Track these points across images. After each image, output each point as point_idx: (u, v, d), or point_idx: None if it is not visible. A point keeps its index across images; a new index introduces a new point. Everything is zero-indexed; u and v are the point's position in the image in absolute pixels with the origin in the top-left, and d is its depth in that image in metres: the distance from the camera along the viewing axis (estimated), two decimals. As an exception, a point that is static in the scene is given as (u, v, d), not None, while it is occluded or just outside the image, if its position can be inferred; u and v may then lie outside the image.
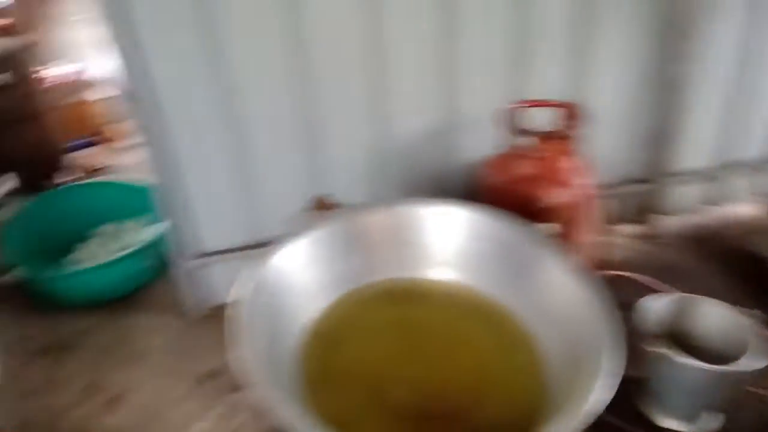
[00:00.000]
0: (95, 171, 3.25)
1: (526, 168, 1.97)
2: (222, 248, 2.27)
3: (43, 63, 3.38)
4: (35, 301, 2.44)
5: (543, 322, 1.35)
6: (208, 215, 2.20)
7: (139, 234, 2.70)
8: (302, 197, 2.26)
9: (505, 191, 1.95)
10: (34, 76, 2.87)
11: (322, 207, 2.28)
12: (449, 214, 1.58)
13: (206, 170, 2.11)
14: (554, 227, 1.81)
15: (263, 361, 1.14)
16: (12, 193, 3.05)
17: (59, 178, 3.08)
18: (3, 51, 2.71)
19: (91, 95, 3.60)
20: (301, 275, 1.43)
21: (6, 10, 2.76)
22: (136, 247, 2.45)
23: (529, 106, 1.99)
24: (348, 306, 1.47)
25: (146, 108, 1.92)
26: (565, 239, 1.85)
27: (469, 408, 1.25)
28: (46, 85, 3.15)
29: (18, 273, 2.49)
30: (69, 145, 3.27)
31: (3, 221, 2.80)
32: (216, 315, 2.36)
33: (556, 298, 1.32)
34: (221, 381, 2.11)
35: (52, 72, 3.44)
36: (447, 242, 1.56)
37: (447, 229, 1.57)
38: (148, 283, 2.53)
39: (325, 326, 1.42)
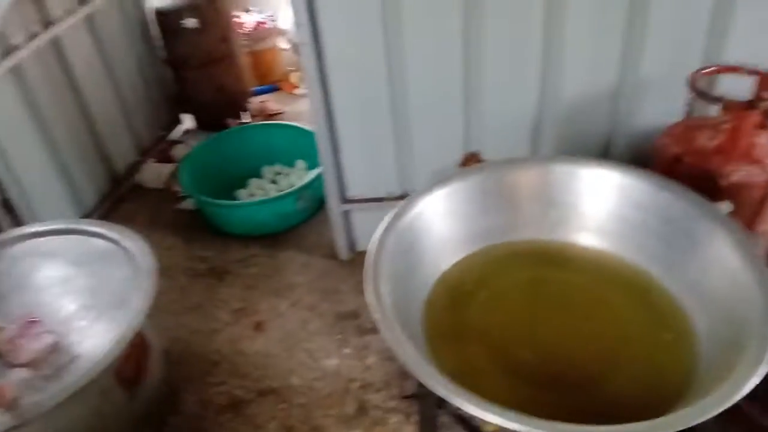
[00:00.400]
0: (273, 115, 3.46)
1: (710, 139, 1.71)
2: (372, 196, 2.30)
3: (237, 9, 3.64)
4: (205, 228, 2.67)
5: (701, 302, 1.17)
6: (361, 164, 2.23)
7: (304, 176, 2.83)
8: (454, 153, 2.19)
9: (683, 162, 1.72)
10: (227, 21, 3.10)
11: (475, 164, 2.20)
12: (608, 177, 1.42)
13: (361, 120, 2.12)
14: (732, 207, 1.56)
15: (395, 306, 1.13)
16: (191, 132, 3.36)
17: (239, 120, 3.33)
18: (200, -2, 2.95)
19: (278, 43, 3.81)
20: (439, 226, 1.39)
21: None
22: (295, 188, 2.57)
23: (721, 72, 1.72)
24: (483, 262, 1.40)
25: (308, 55, 1.95)
26: (743, 223, 1.59)
27: (598, 379, 1.14)
28: (239, 30, 3.38)
29: (192, 202, 2.75)
30: (253, 89, 3.51)
31: (182, 156, 3.11)
32: (362, 259, 2.40)
33: (722, 280, 1.14)
34: (357, 322, 2.16)
35: (244, 18, 3.69)
36: (601, 207, 1.41)
37: (603, 193, 1.41)
38: (304, 222, 2.65)
39: (457, 280, 1.37)
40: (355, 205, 2.32)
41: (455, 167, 2.19)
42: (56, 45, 2.48)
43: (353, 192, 2.30)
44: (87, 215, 2.67)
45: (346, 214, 2.35)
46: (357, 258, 2.43)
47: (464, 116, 2.11)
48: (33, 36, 2.35)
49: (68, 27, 2.52)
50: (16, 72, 2.28)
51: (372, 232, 2.38)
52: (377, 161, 2.22)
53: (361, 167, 2.24)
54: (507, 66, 2.01)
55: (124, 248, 1.82)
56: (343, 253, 2.42)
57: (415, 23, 1.91)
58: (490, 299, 1.33)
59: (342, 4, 1.88)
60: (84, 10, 2.61)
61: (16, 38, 2.28)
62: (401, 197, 2.29)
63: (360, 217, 2.38)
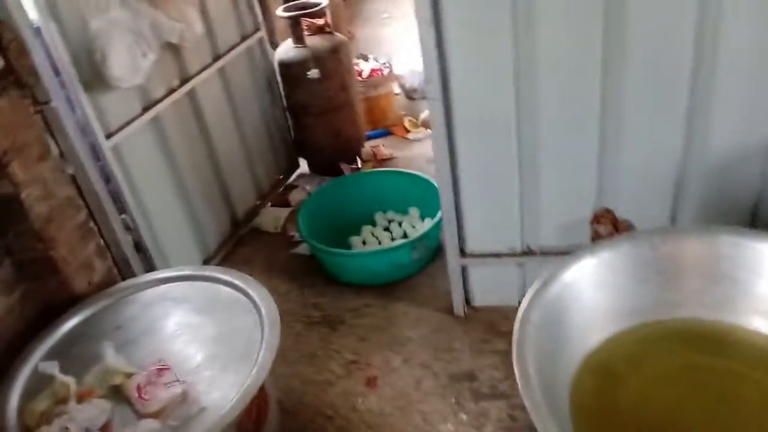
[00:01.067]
0: (385, 160, 3.48)
1: None
2: (492, 251, 2.21)
3: (355, 58, 3.73)
4: (319, 273, 2.69)
5: None
6: (482, 218, 2.15)
7: (418, 224, 2.80)
8: (585, 208, 2.07)
9: None
10: (347, 70, 3.17)
11: (608, 222, 2.07)
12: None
13: (485, 172, 2.05)
14: None
15: (541, 386, 1.04)
16: (305, 176, 3.43)
17: (353, 165, 3.38)
18: (319, 48, 3.04)
19: (392, 88, 3.87)
20: (588, 299, 1.29)
21: (322, 10, 3.09)
22: (411, 238, 2.53)
23: None
24: (635, 341, 1.28)
25: (437, 109, 1.92)
26: None
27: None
28: (356, 78, 3.45)
29: (307, 247, 2.78)
30: (367, 133, 3.56)
31: (299, 200, 3.17)
32: (478, 316, 2.33)
33: None
34: (473, 385, 2.06)
35: (362, 66, 3.78)
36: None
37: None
38: (418, 272, 2.59)
39: (606, 359, 1.25)
40: (474, 260, 2.24)
41: (589, 224, 2.07)
42: (191, 96, 2.63)
43: (472, 246, 2.22)
44: (209, 258, 2.77)
45: (463, 269, 2.27)
46: (473, 314, 2.34)
47: (598, 169, 1.99)
48: (172, 90, 2.50)
49: (203, 80, 2.66)
50: (155, 122, 2.43)
51: (490, 287, 2.33)
52: (500, 215, 2.13)
53: (483, 221, 2.16)
54: (648, 116, 1.87)
55: (249, 297, 1.85)
56: (459, 308, 2.34)
57: (550, 74, 1.83)
58: (643, 385, 1.20)
59: (474, 60, 1.85)
60: (218, 64, 2.76)
61: (158, 92, 2.43)
62: (523, 253, 2.20)
63: (478, 272, 2.29)
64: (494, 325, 2.27)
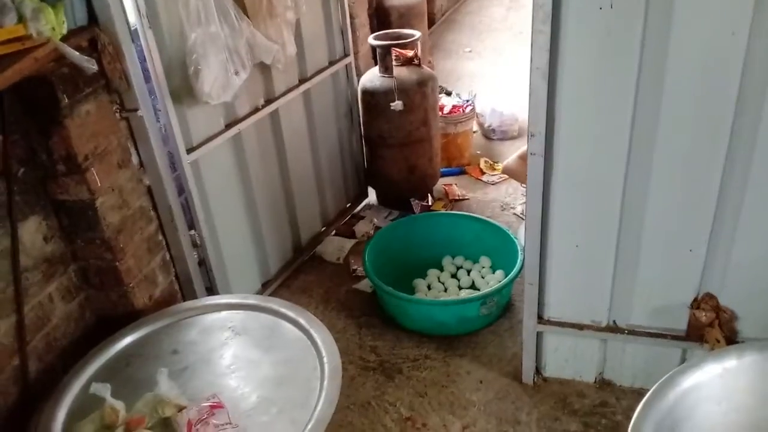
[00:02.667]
0: (458, 201, 3.35)
1: None
2: (573, 321, 2.04)
3: (439, 92, 3.64)
4: (379, 314, 2.56)
5: None
6: (568, 284, 1.99)
7: (488, 275, 2.64)
8: (685, 291, 1.88)
9: None
10: (431, 104, 3.07)
11: (710, 309, 1.87)
12: None
13: (579, 236, 1.89)
14: None
15: None
16: (373, 208, 3.32)
17: (424, 201, 3.26)
18: (406, 80, 2.96)
19: (471, 127, 3.75)
20: (707, 416, 1.11)
21: (414, 42, 3.01)
22: (482, 292, 2.38)
23: None
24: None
25: (536, 165, 1.78)
26: None
27: None
28: (438, 113, 3.34)
29: (369, 284, 2.66)
30: (441, 170, 3.44)
31: (364, 232, 3.06)
32: (548, 387, 2.15)
33: None
34: (540, 467, 1.88)
35: (444, 101, 3.68)
36: None
37: None
38: (484, 328, 2.43)
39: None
40: (552, 327, 2.07)
41: (689, 310, 1.88)
42: (273, 116, 2.57)
43: (552, 312, 2.06)
44: (269, 281, 2.69)
45: (538, 335, 2.11)
46: (543, 385, 2.16)
47: (706, 253, 1.80)
48: (256, 109, 2.45)
49: (287, 101, 2.60)
50: (236, 140, 2.37)
51: (565, 359, 2.14)
52: (588, 284, 1.96)
53: (568, 287, 2.00)
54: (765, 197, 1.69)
55: (311, 339, 1.74)
56: (529, 376, 2.16)
57: (669, 148, 1.67)
58: None
59: (587, 120, 1.71)
60: (303, 86, 2.70)
61: (242, 110, 2.38)
62: (608, 329, 2.02)
63: (554, 340, 2.12)
64: (566, 401, 2.08)
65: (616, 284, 1.93)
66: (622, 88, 1.63)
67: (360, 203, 3.35)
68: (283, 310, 1.84)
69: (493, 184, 3.53)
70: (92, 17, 1.75)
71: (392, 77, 2.98)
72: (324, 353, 1.68)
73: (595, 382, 2.15)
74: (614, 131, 1.69)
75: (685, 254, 1.81)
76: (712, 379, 1.14)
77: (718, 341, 1.86)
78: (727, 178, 1.68)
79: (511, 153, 3.37)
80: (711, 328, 1.88)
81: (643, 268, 1.88)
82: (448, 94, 3.93)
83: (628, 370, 2.09)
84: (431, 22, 5.89)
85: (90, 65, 1.64)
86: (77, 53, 1.59)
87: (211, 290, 2.31)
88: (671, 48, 1.55)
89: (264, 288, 2.66)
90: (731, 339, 1.90)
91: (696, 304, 1.88)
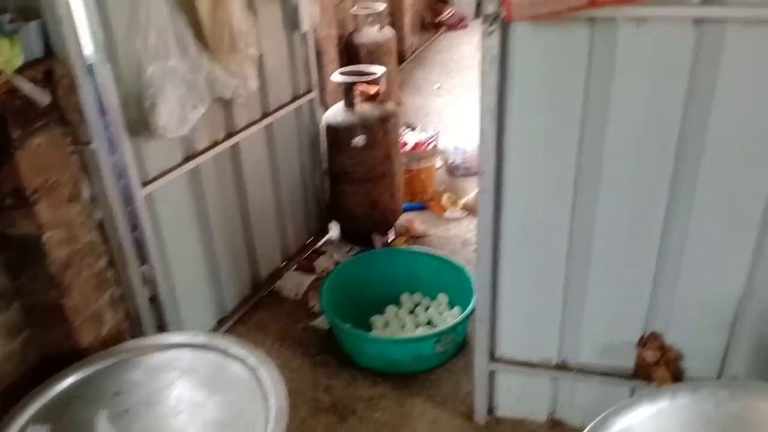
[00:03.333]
0: (418, 237, 3.37)
1: None
2: (524, 360, 2.05)
3: (402, 127, 3.68)
4: (334, 352, 2.54)
5: None
6: (519, 323, 2.01)
7: (445, 312, 2.65)
8: (632, 330, 1.92)
9: None
10: (394, 140, 3.11)
11: (655, 348, 1.90)
12: None
13: (529, 277, 1.93)
14: None
15: None
16: (334, 243, 3.33)
17: (384, 237, 3.27)
18: (368, 116, 2.99)
19: (434, 162, 3.80)
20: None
21: (377, 79, 3.06)
22: (436, 329, 2.39)
23: None
24: None
25: (487, 197, 1.81)
26: None
27: None
28: (400, 149, 3.37)
29: (326, 322, 2.65)
30: (404, 205, 3.46)
31: (324, 267, 3.06)
32: (500, 427, 2.15)
33: None
34: None
35: (407, 137, 3.73)
36: None
37: None
38: (440, 366, 2.43)
39: None
40: (503, 366, 2.08)
41: (635, 348, 1.91)
42: (234, 150, 2.57)
43: (504, 351, 2.07)
44: (225, 318, 2.66)
45: (490, 374, 2.11)
46: (494, 425, 2.16)
47: (651, 293, 1.85)
48: (216, 143, 2.45)
49: (248, 135, 2.61)
50: (193, 173, 2.36)
51: (517, 398, 2.15)
52: (538, 323, 1.99)
53: (519, 327, 2.02)
54: (712, 249, 1.74)
55: (259, 379, 1.71)
56: (481, 416, 2.16)
57: (612, 190, 1.72)
58: None
59: (534, 159, 1.76)
60: (265, 121, 2.71)
61: (201, 143, 2.38)
62: (558, 366, 2.04)
63: (505, 378, 2.13)
64: (518, 442, 2.09)
65: (565, 322, 1.96)
66: (567, 131, 1.69)
67: (321, 238, 3.35)
68: (231, 349, 1.81)
69: (455, 219, 3.56)
70: (48, 50, 1.74)
71: (354, 113, 3.02)
72: (271, 394, 1.65)
73: (546, 421, 2.15)
74: (559, 170, 1.75)
75: (631, 292, 1.85)
76: (645, 421, 1.15)
77: (665, 380, 1.90)
78: (670, 217, 1.73)
79: (473, 190, 3.42)
80: (657, 367, 1.91)
81: (590, 306, 1.91)
82: (413, 129, 3.97)
83: (578, 410, 2.10)
84: (401, 59, 5.99)
85: (43, 98, 1.63)
86: (30, 85, 1.58)
87: (163, 327, 2.27)
88: (614, 87, 1.61)
89: (220, 324, 2.62)
90: (678, 377, 1.93)
91: (642, 342, 1.91)
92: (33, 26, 1.68)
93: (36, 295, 1.81)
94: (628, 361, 1.96)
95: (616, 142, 1.67)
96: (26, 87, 1.58)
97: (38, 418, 1.62)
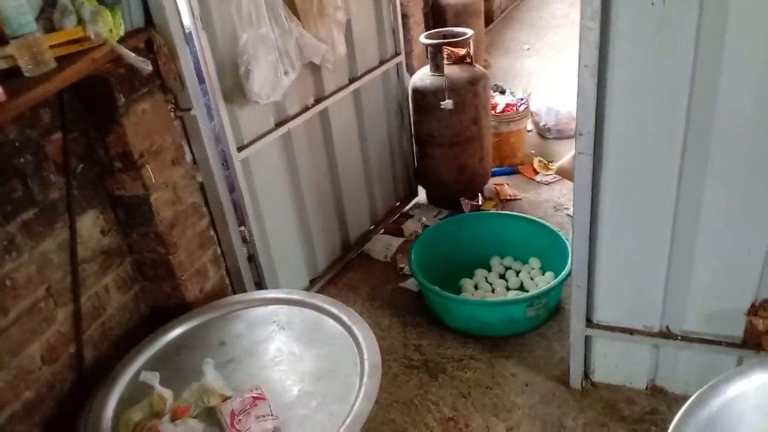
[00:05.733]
0: (509, 200, 3.30)
1: None
2: (624, 325, 1.97)
3: (493, 90, 3.59)
4: (424, 313, 2.55)
5: None
6: (619, 287, 1.93)
7: (537, 277, 2.59)
8: (742, 297, 1.79)
9: None
10: (482, 103, 3.04)
11: (769, 316, 1.77)
12: None
13: (630, 239, 1.83)
14: None
15: None
16: (422, 207, 3.32)
17: (473, 201, 3.23)
18: (457, 79, 2.94)
19: (526, 125, 3.69)
20: (755, 429, 1.05)
21: (466, 41, 2.98)
22: (529, 293, 2.34)
23: None
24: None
25: (585, 158, 1.73)
26: None
27: None
28: (489, 112, 3.30)
29: (415, 283, 2.66)
30: (492, 170, 3.40)
31: (412, 231, 3.06)
32: (596, 392, 2.09)
33: None
34: (584, 475, 1.83)
35: (497, 99, 3.64)
36: None
37: None
38: (531, 330, 2.39)
39: None
40: (601, 332, 2.01)
41: (742, 314, 1.79)
42: (323, 115, 2.61)
43: (602, 316, 2.00)
44: (316, 278, 2.73)
45: (586, 339, 2.05)
46: (591, 390, 2.10)
47: (765, 256, 1.71)
48: (306, 108, 2.49)
49: (336, 100, 2.63)
50: (285, 138, 2.42)
51: (615, 364, 2.08)
52: (639, 288, 1.90)
53: (618, 291, 1.94)
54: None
55: (353, 335, 1.75)
56: (576, 380, 2.11)
57: (724, 141, 1.60)
58: None
59: (638, 118, 1.65)
60: (353, 86, 2.72)
61: (292, 109, 2.43)
62: (661, 334, 1.95)
63: (603, 344, 2.06)
64: (615, 407, 2.02)
65: (669, 288, 1.86)
66: (676, 85, 1.57)
67: (409, 202, 3.35)
68: (326, 306, 1.87)
69: (547, 184, 3.46)
70: (149, 19, 1.82)
71: (443, 76, 2.97)
72: (365, 350, 1.69)
73: (646, 388, 2.07)
74: (667, 130, 1.63)
75: (742, 258, 1.72)
76: (760, 389, 1.08)
77: (778, 350, 1.77)
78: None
79: (567, 153, 3.30)
80: (770, 336, 1.79)
81: (697, 272, 1.80)
82: (502, 92, 3.86)
83: (681, 378, 2.01)
84: (489, 20, 5.82)
85: (145, 66, 1.70)
86: (133, 54, 1.66)
87: (260, 285, 2.37)
88: (728, 42, 1.48)
89: (312, 284, 2.70)
90: (792, 349, 1.80)
91: (753, 310, 1.78)
92: (133, -3, 1.76)
93: (146, 251, 1.93)
94: (737, 330, 1.84)
95: (730, 97, 1.54)
96: (129, 56, 1.65)
97: (150, 365, 1.74)
